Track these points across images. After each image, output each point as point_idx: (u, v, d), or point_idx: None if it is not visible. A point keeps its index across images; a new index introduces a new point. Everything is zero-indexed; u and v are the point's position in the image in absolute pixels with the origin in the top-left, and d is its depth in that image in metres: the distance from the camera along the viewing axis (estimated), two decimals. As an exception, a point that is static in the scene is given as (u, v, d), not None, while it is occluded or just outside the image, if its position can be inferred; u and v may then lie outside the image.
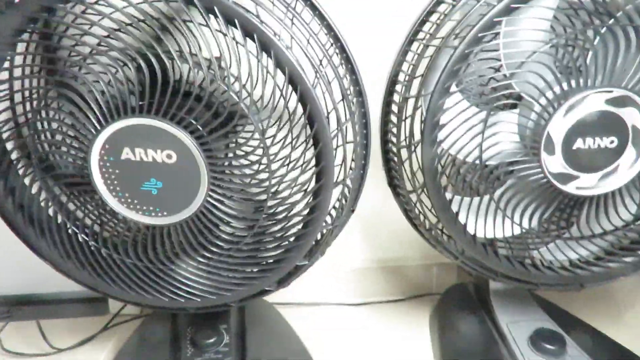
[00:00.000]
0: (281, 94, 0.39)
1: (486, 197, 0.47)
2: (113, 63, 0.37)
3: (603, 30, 0.41)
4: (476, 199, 0.47)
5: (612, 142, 0.43)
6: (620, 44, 0.42)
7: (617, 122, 0.43)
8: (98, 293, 0.49)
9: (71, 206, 0.45)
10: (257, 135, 0.39)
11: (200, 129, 0.39)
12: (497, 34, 0.41)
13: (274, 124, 0.40)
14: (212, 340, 0.52)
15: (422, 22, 0.49)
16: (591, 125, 0.43)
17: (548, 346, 0.52)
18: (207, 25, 0.36)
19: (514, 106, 0.46)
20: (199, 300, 0.48)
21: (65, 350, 0.62)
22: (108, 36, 0.37)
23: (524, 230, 0.49)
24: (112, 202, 0.41)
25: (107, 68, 0.37)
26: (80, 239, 0.45)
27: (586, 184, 0.45)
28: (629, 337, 0.57)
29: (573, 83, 0.42)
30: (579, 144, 0.43)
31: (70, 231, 0.45)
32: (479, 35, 0.40)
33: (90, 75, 0.38)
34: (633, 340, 0.56)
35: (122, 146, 0.39)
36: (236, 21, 0.36)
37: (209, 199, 0.41)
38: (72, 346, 0.63)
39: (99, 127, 0.39)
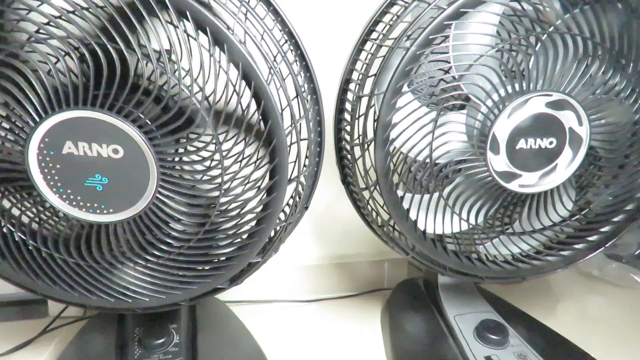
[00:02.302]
0: (234, 90, 0.38)
1: (436, 195, 0.49)
2: (53, 52, 0.35)
3: (544, 37, 0.43)
4: (426, 197, 0.49)
5: (551, 142, 0.46)
6: (559, 51, 0.44)
7: (556, 124, 0.45)
8: (37, 295, 0.46)
9: (6, 204, 0.42)
10: (209, 131, 0.38)
11: (149, 123, 0.38)
12: (447, 36, 0.43)
13: (226, 120, 0.39)
14: (161, 341, 0.51)
15: (376, 22, 0.49)
16: (533, 126, 0.45)
17: (492, 336, 0.54)
18: (157, 17, 0.35)
19: (462, 107, 0.48)
20: (147, 300, 0.46)
21: (1, 356, 0.58)
22: (48, 23, 0.35)
23: (470, 226, 0.51)
24: (53, 198, 0.39)
25: (47, 57, 0.35)
26: (17, 238, 0.43)
27: (528, 182, 0.47)
28: (564, 326, 0.60)
29: (517, 86, 0.44)
30: (521, 144, 0.45)
31: (5, 229, 0.42)
32: (430, 37, 0.41)
33: (29, 64, 0.36)
34: (568, 328, 0.60)
35: (64, 140, 0.37)
36: (188, 13, 0.35)
37: (158, 195, 0.40)
38: (7, 351, 0.59)
39: (37, 119, 0.36)
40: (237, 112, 0.39)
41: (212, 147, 0.39)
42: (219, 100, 0.38)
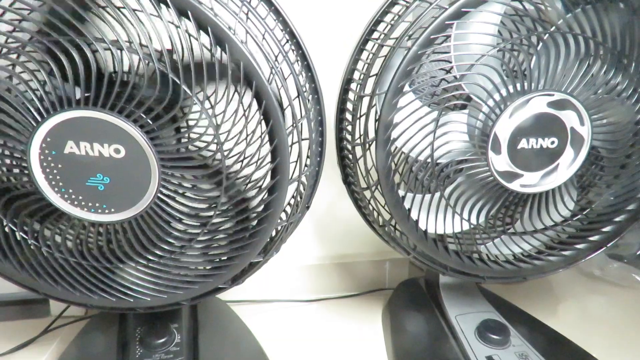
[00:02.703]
0: (236, 89, 0.38)
1: (437, 195, 0.49)
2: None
3: (546, 36, 0.43)
4: (427, 196, 0.49)
5: (552, 142, 0.46)
6: (561, 51, 0.44)
7: (558, 124, 0.45)
8: (39, 294, 0.46)
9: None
10: (210, 131, 0.38)
11: (151, 122, 0.38)
12: (449, 36, 0.43)
13: (228, 119, 0.39)
14: (162, 340, 0.51)
15: (377, 22, 0.49)
16: (534, 126, 0.45)
17: (493, 336, 0.54)
18: (159, 16, 0.35)
19: (463, 107, 0.48)
20: (148, 299, 0.46)
21: (3, 356, 0.59)
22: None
23: (472, 226, 0.51)
24: (54, 198, 0.39)
25: (40, 63, 0.35)
26: (19, 237, 0.43)
27: (529, 182, 0.47)
28: (566, 326, 0.60)
29: (518, 86, 0.44)
30: (523, 144, 0.45)
31: (7, 229, 0.42)
32: (431, 37, 0.41)
33: (30, 65, 0.36)
34: (569, 328, 0.60)
35: (66, 139, 0.37)
36: (189, 13, 0.35)
37: (159, 195, 0.40)
38: (9, 351, 0.59)
39: (39, 119, 0.36)
40: (239, 111, 0.39)
41: (213, 147, 0.39)
42: (221, 100, 0.38)
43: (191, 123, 0.39)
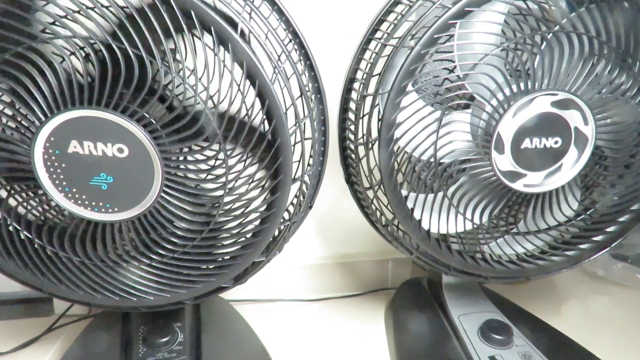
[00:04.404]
0: (238, 89, 0.38)
1: (440, 194, 0.49)
2: (59, 51, 0.36)
3: (549, 36, 0.43)
4: (430, 196, 0.49)
5: (556, 142, 0.46)
6: (565, 50, 0.44)
7: (561, 123, 0.45)
8: (42, 293, 0.46)
9: (12, 202, 0.43)
10: (213, 131, 0.38)
11: (154, 122, 0.38)
12: (452, 36, 0.42)
13: (231, 119, 0.39)
14: (165, 339, 0.51)
15: (380, 21, 0.49)
16: (538, 126, 0.45)
17: (496, 336, 0.54)
18: (162, 17, 0.35)
19: (466, 106, 0.47)
20: (152, 298, 0.46)
21: (6, 354, 0.59)
22: (53, 23, 0.35)
23: (475, 226, 0.51)
24: (58, 197, 0.39)
25: (52, 57, 0.35)
26: (23, 237, 0.43)
27: (533, 182, 0.47)
28: (569, 326, 0.60)
29: (522, 85, 0.44)
30: (526, 143, 0.45)
31: (11, 228, 0.43)
32: (435, 36, 0.41)
33: (35, 64, 0.36)
34: (573, 328, 0.60)
35: (70, 139, 0.37)
36: (192, 13, 0.35)
37: (162, 194, 0.40)
38: (13, 349, 0.59)
39: (43, 118, 0.37)
40: (241, 111, 0.39)
41: (216, 147, 0.39)
42: (223, 99, 0.38)
43: (194, 124, 0.39)
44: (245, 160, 0.41)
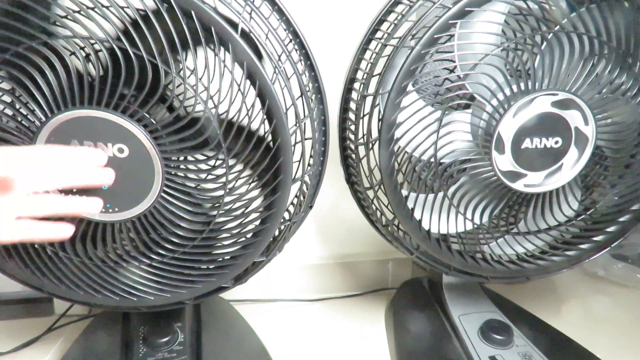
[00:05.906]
0: (239, 89, 0.38)
1: (440, 194, 0.49)
2: (60, 51, 0.36)
3: (550, 36, 0.43)
4: (431, 196, 0.49)
5: (556, 142, 0.46)
6: (565, 50, 0.44)
7: (562, 123, 0.45)
8: (43, 293, 0.46)
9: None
10: (214, 135, 0.38)
11: (154, 122, 0.38)
12: (452, 36, 0.42)
13: (231, 119, 0.39)
14: (166, 339, 0.51)
15: (381, 21, 0.49)
16: (538, 126, 0.45)
17: (497, 336, 0.54)
18: (163, 17, 0.35)
19: (467, 106, 0.47)
20: (152, 298, 0.46)
21: (7, 354, 0.59)
22: (54, 23, 0.35)
23: (475, 226, 0.51)
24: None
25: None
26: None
27: (533, 182, 0.47)
28: (569, 326, 0.60)
29: (522, 85, 0.44)
30: (526, 143, 0.45)
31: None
32: (435, 36, 0.41)
33: (36, 64, 0.36)
34: (573, 328, 0.60)
35: (70, 138, 0.37)
36: (193, 13, 0.35)
37: (163, 194, 0.40)
38: (13, 349, 0.59)
39: (44, 118, 0.37)
40: (242, 111, 0.39)
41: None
42: (224, 99, 0.38)
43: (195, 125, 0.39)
44: (245, 161, 0.41)
